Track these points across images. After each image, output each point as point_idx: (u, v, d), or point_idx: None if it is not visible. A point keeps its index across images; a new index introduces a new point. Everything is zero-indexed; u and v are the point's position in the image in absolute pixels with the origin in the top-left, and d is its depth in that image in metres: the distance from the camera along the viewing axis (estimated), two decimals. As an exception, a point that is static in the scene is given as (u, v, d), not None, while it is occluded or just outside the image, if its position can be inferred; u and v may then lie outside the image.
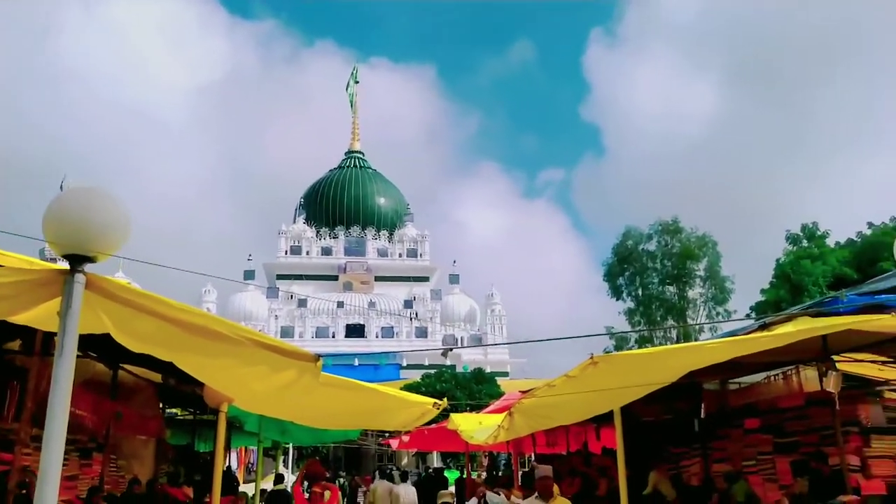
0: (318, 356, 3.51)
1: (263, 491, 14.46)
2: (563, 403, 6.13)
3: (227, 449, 17.70)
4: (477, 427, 10.50)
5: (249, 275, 66.55)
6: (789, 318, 5.74)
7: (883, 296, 6.20)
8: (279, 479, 14.00)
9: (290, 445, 22.94)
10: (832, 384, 6.76)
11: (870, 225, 33.63)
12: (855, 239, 34.25)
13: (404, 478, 15.26)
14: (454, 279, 71.96)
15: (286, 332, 61.54)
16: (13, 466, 5.46)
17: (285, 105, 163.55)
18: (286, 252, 72.16)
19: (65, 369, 3.05)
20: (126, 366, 8.08)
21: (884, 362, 9.00)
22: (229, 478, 15.36)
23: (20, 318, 3.95)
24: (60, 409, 3.02)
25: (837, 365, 7.07)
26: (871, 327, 5.48)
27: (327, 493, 9.79)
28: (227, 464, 18.07)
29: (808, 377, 8.44)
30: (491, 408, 14.69)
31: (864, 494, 6.89)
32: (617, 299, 42.75)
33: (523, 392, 12.90)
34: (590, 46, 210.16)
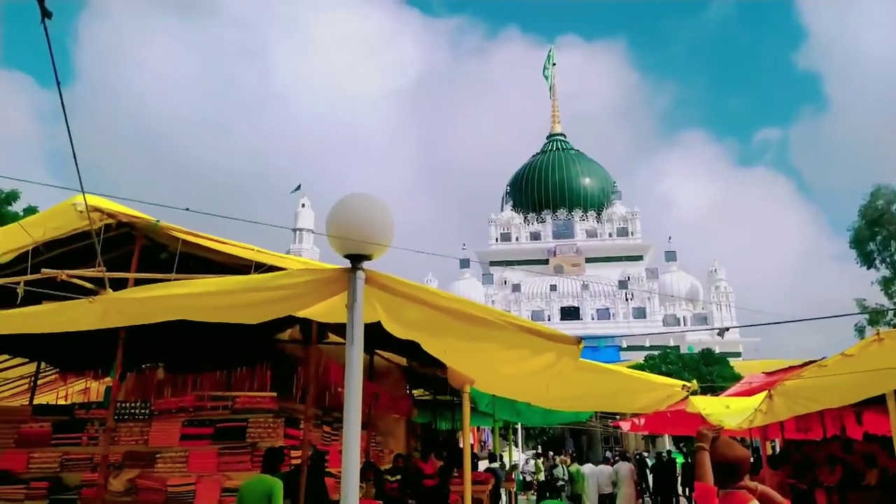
0: (579, 339, 3.54)
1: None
2: (832, 385, 5.55)
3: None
4: (724, 411, 9.83)
5: (464, 263, 69.39)
6: None
7: None
8: (492, 457, 14.89)
9: (520, 425, 23.56)
10: None
11: None
12: None
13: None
14: (670, 256, 68.53)
15: (503, 317, 63.10)
16: (302, 440, 6.29)
17: (478, 97, 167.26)
18: (496, 239, 74.11)
19: (355, 355, 3.32)
20: (379, 351, 8.87)
21: None
22: (471, 455, 16.51)
23: (303, 312, 4.41)
24: (355, 390, 3.27)
25: None
26: None
27: None
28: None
29: None
30: (733, 390, 13.72)
31: None
32: (868, 267, 37.54)
33: (768, 374, 11.85)
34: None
